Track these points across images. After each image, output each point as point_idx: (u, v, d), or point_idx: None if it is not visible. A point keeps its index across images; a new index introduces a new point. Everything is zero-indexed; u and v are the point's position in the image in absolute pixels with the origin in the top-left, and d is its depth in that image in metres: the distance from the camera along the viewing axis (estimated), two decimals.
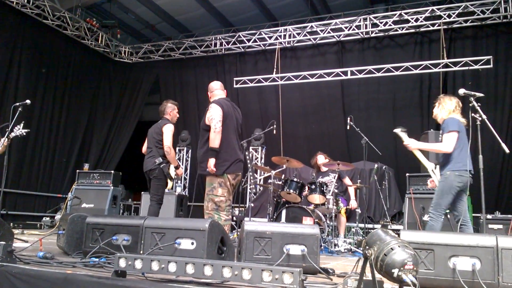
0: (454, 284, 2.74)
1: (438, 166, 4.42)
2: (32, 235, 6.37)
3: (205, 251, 3.06)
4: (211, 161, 4.25)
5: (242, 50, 10.83)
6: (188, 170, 10.53)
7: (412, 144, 4.41)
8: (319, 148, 9.28)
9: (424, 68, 8.66)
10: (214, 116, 4.34)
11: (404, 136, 4.46)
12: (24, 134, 5.35)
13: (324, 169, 6.94)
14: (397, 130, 4.50)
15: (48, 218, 8.66)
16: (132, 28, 11.92)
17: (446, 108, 4.36)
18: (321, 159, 7.01)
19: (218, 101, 4.52)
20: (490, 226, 6.33)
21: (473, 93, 4.01)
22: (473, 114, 4.02)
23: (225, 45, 10.90)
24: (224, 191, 4.34)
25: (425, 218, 6.11)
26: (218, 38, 10.94)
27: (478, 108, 3.97)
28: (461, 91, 4.08)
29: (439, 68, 8.54)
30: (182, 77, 11.64)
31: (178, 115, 5.70)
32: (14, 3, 8.88)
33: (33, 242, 4.10)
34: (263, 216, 7.95)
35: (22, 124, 5.31)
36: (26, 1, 8.96)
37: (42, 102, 9.73)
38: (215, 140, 4.27)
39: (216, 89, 4.73)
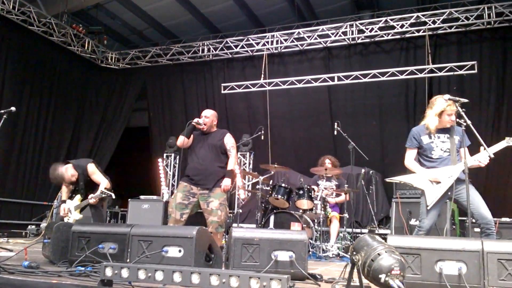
0: None
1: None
2: (17, 244, 6.27)
3: (193, 259, 3.04)
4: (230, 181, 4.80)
5: (230, 56, 10.84)
6: (176, 177, 10.47)
7: None
8: (307, 153, 9.39)
9: (409, 73, 8.74)
10: (235, 146, 4.93)
11: None
12: None
13: (328, 174, 6.61)
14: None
15: (33, 226, 8.54)
16: (119, 34, 11.85)
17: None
18: (327, 162, 6.71)
19: None
20: (475, 230, 6.35)
21: (457, 98, 4.05)
22: (457, 120, 4.07)
23: (212, 51, 10.90)
24: None
25: (412, 222, 6.17)
26: (205, 44, 10.93)
27: (463, 113, 4.01)
28: (446, 96, 4.13)
29: (425, 73, 8.63)
30: (169, 83, 11.60)
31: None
32: None
33: (18, 251, 4.04)
34: (252, 222, 7.94)
35: None
36: (11, 7, 8.87)
37: (27, 109, 9.62)
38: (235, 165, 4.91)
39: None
